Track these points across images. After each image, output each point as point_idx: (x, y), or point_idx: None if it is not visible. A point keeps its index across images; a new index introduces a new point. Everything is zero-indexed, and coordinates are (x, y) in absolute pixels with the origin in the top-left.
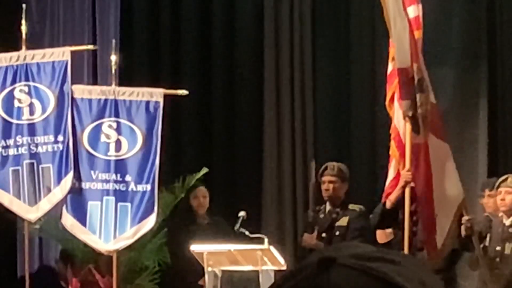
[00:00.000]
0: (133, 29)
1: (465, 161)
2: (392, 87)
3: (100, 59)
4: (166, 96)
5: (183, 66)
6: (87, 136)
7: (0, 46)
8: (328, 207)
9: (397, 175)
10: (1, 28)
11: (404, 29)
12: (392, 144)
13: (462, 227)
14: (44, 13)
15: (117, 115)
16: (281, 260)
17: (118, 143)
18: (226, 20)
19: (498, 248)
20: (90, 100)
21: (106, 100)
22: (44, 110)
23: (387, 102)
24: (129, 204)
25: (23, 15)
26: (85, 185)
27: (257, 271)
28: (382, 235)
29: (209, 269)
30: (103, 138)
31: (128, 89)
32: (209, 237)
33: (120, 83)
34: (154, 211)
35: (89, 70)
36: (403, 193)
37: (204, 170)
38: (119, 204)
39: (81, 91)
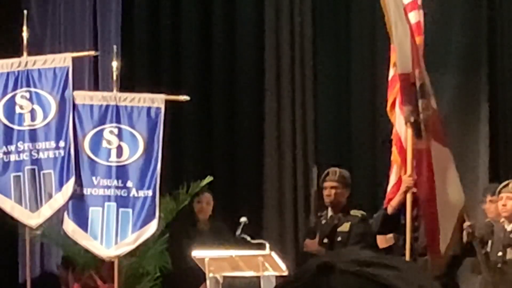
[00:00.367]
0: (134, 35)
1: (466, 166)
2: (394, 93)
3: (102, 65)
4: (167, 102)
5: (184, 71)
6: (89, 142)
7: (1, 52)
8: (329, 212)
9: (399, 181)
10: (2, 34)
11: (406, 34)
12: (394, 149)
13: (464, 233)
14: (45, 19)
15: (118, 121)
16: (283, 265)
17: (119, 149)
18: (226, 26)
19: (499, 253)
20: (91, 106)
21: (107, 106)
22: (45, 116)
23: (388, 108)
24: (130, 210)
25: (25, 21)
26: (87, 191)
27: (258, 277)
28: (382, 240)
29: (211, 275)
30: (104, 144)
31: (130, 95)
32: (210, 243)
33: (122, 89)
34: (156, 217)
35: (90, 76)
36: (404, 198)
37: (209, 178)
38: (121, 210)
39: (83, 97)
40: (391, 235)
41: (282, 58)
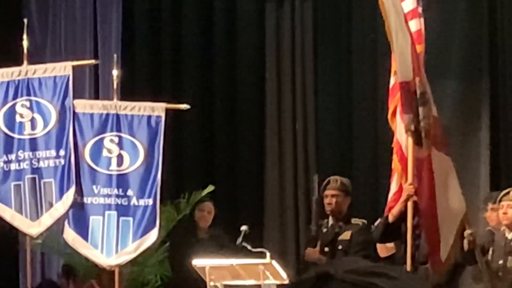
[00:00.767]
0: (135, 44)
1: (467, 174)
2: (394, 101)
3: (102, 73)
4: (167, 110)
5: (185, 80)
6: (89, 151)
7: (1, 61)
8: (330, 221)
9: (400, 189)
10: (2, 43)
11: (406, 42)
12: (395, 157)
13: (465, 241)
14: (46, 28)
15: (118, 129)
16: (283, 274)
17: (120, 158)
18: (227, 34)
19: (500, 261)
20: (91, 115)
21: (107, 114)
22: (45, 124)
23: (389, 116)
24: (131, 219)
25: (25, 30)
26: (87, 199)
27: (259, 286)
28: (383, 249)
29: (211, 283)
30: (105, 153)
31: (130, 104)
32: (210, 251)
33: (122, 98)
34: (156, 226)
35: (90, 84)
36: (405, 206)
37: (210, 187)
38: (121, 218)
39: (83, 105)
40: (392, 243)
41: (283, 67)
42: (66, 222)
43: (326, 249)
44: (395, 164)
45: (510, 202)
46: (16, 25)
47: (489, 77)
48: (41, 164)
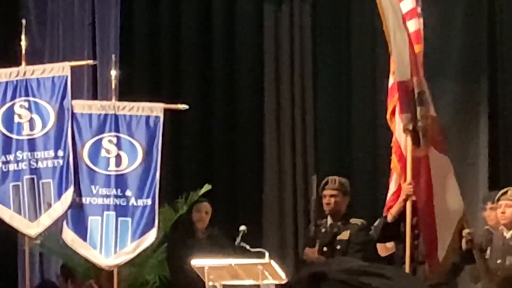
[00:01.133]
0: (133, 44)
1: (466, 174)
2: (393, 101)
3: (100, 74)
4: (166, 111)
5: (183, 80)
6: (87, 151)
7: (0, 62)
8: (329, 221)
9: (398, 189)
10: (1, 43)
11: (404, 42)
12: (393, 157)
13: (463, 240)
14: (44, 29)
15: (117, 130)
16: (282, 274)
17: (118, 158)
18: (226, 34)
19: (499, 261)
20: (90, 115)
21: (106, 115)
22: (44, 125)
23: (388, 116)
24: (129, 219)
25: (23, 31)
26: (86, 200)
27: (258, 286)
28: (383, 249)
29: (210, 283)
30: (103, 153)
31: (128, 104)
32: (208, 252)
33: (120, 98)
34: (155, 226)
35: (89, 85)
36: (404, 206)
37: (207, 187)
38: (120, 219)
39: (81, 106)
40: (392, 243)
41: (282, 67)
42: (64, 223)
43: (325, 249)
44: (394, 163)
45: (508, 202)
46: (14, 25)
47: (488, 76)
48: (40, 164)
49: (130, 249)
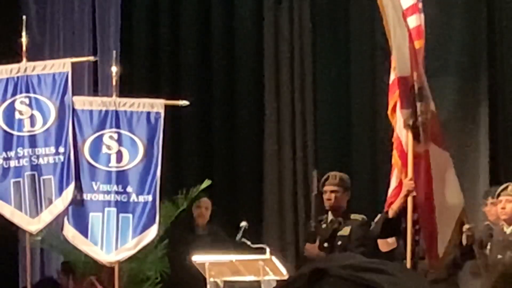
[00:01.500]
0: (134, 40)
1: (466, 170)
2: (394, 97)
3: (101, 70)
4: (166, 107)
5: (184, 76)
6: (88, 147)
7: (0, 58)
8: (330, 217)
9: (399, 184)
10: (1, 40)
11: (404, 37)
12: (394, 153)
13: (463, 236)
14: (45, 25)
15: (118, 126)
16: (283, 270)
17: (119, 154)
18: (225, 30)
19: (499, 256)
20: (91, 111)
21: (107, 111)
22: (45, 121)
23: (389, 112)
24: (130, 215)
25: (24, 27)
26: (87, 196)
27: (259, 281)
28: (384, 244)
29: (211, 279)
30: (104, 149)
31: (129, 100)
32: (209, 248)
33: (121, 94)
34: (156, 222)
35: (89, 81)
36: (405, 202)
37: (207, 182)
38: (121, 215)
39: (82, 102)
40: (393, 238)
41: (282, 63)
42: (65, 219)
43: (326, 244)
44: (395, 159)
45: (509, 197)
46: (14, 22)
47: (488, 72)
48: (41, 161)
49: (131, 245)
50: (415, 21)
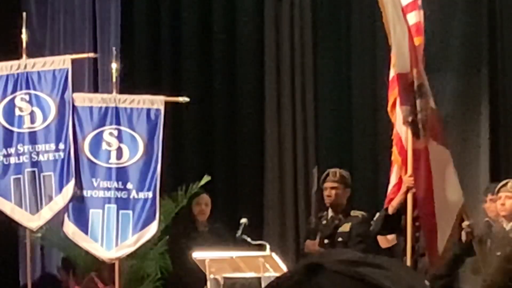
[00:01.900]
0: (134, 37)
1: (467, 166)
2: (394, 93)
3: (101, 67)
4: (167, 104)
5: (184, 73)
6: (88, 144)
7: (0, 55)
8: (330, 213)
9: (399, 181)
10: (1, 36)
11: (404, 34)
12: (394, 150)
13: (463, 232)
14: (45, 22)
15: (118, 122)
16: (283, 266)
17: (119, 151)
18: (226, 27)
19: (498, 253)
20: (91, 108)
21: (107, 108)
22: (45, 118)
23: (389, 108)
24: (130, 212)
25: (24, 24)
26: (87, 193)
27: (259, 278)
28: (384, 241)
29: (211, 276)
30: (104, 146)
31: (129, 97)
32: (210, 244)
33: (121, 91)
34: (156, 219)
35: (89, 78)
36: (405, 198)
37: (207, 178)
38: (121, 211)
39: (82, 99)
40: (393, 235)
41: (283, 59)
42: (66, 216)
43: (326, 241)
44: (395, 156)
45: (508, 193)
46: (15, 18)
47: (489, 69)
48: (41, 157)
49: (131, 242)
50: (414, 17)
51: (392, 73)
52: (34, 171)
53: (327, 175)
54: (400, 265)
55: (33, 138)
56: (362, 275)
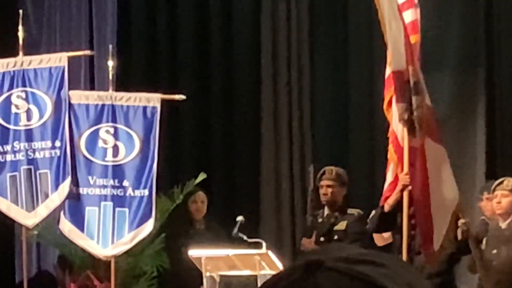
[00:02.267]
0: (130, 35)
1: (463, 164)
2: (390, 91)
3: (97, 64)
4: (163, 101)
5: (181, 71)
6: (85, 142)
7: None
8: (326, 211)
9: (395, 179)
10: None
11: (399, 31)
12: (390, 147)
13: (459, 230)
14: (41, 19)
15: (114, 120)
16: (279, 264)
17: (115, 149)
18: (223, 25)
19: (494, 251)
20: (87, 106)
21: (103, 105)
22: (41, 115)
23: (385, 106)
24: (127, 210)
25: (20, 21)
26: (83, 190)
27: (255, 276)
28: (380, 239)
29: (208, 274)
30: (100, 144)
31: (125, 94)
32: (206, 242)
33: (117, 89)
34: (152, 216)
35: (86, 75)
36: (401, 196)
37: (202, 175)
38: (117, 209)
39: (78, 96)
40: (388, 233)
41: (280, 58)
42: (62, 213)
43: (322, 239)
44: (391, 154)
45: (504, 192)
46: (11, 16)
47: (485, 67)
48: (37, 155)
49: (128, 240)
50: (410, 15)
51: (388, 71)
52: (30, 169)
53: (323, 173)
54: (400, 263)
55: (29, 135)
56: (362, 274)
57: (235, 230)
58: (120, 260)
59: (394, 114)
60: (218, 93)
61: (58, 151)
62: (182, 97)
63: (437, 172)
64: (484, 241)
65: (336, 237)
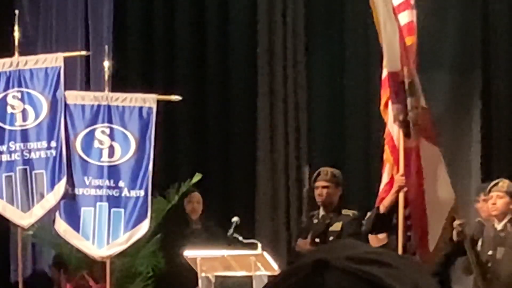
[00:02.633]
0: (126, 35)
1: (459, 165)
2: (386, 92)
3: (93, 65)
4: (159, 102)
5: (177, 71)
6: (80, 142)
7: None
8: (321, 212)
9: (391, 180)
10: None
11: (394, 32)
12: (386, 149)
13: (454, 232)
14: (37, 19)
15: (110, 121)
16: (275, 265)
17: (111, 149)
18: (220, 26)
19: (490, 252)
20: (83, 106)
21: (99, 106)
22: (37, 116)
23: (381, 107)
24: (122, 210)
25: (16, 21)
26: (78, 191)
27: (250, 277)
28: (375, 240)
29: (203, 274)
30: (96, 144)
31: (121, 95)
32: (202, 242)
33: (113, 89)
34: (148, 217)
35: (82, 76)
36: (397, 197)
37: (198, 176)
38: (113, 210)
39: (74, 97)
40: (384, 234)
41: (276, 58)
42: (57, 213)
43: (317, 240)
44: (387, 155)
45: (499, 193)
46: (7, 16)
47: (481, 68)
48: (33, 155)
49: (123, 240)
50: (406, 17)
51: (384, 72)
52: (25, 169)
53: (319, 174)
54: (408, 263)
55: (25, 136)
56: (369, 274)
57: (231, 230)
58: (116, 261)
59: (390, 115)
60: (214, 94)
61: (53, 152)
62: (178, 97)
63: (432, 173)
64: (480, 243)
65: (331, 238)
